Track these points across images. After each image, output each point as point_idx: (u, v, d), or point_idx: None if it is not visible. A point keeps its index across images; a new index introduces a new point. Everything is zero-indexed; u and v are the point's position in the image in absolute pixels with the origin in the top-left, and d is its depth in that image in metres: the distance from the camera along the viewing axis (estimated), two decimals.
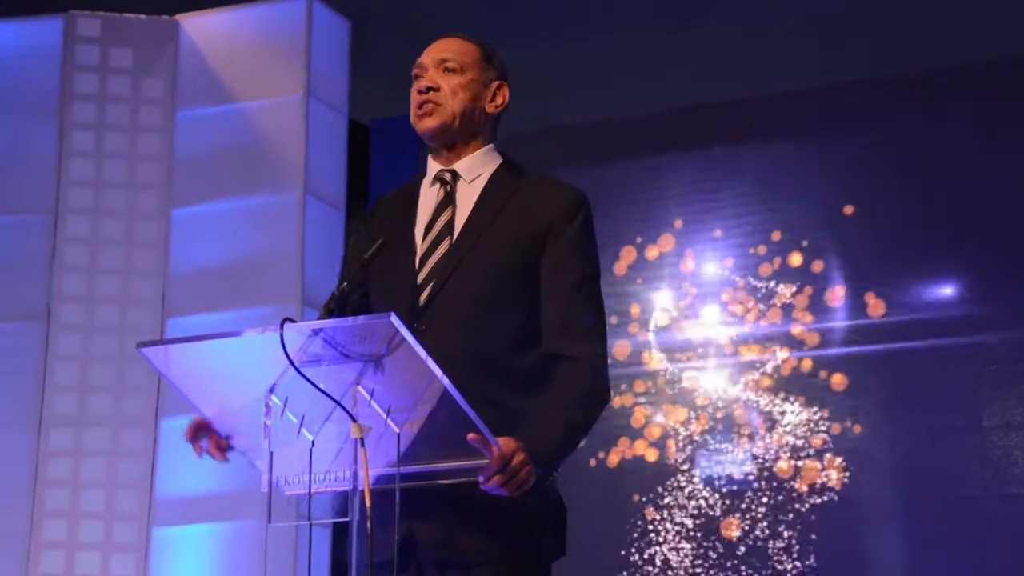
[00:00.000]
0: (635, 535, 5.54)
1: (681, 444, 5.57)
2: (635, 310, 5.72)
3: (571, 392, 2.45)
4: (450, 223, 2.56)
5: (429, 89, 2.59)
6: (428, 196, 2.62)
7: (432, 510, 2.35)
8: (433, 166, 2.65)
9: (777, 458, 5.42)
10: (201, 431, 2.39)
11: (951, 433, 5.20)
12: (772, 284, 5.58)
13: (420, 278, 2.51)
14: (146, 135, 5.38)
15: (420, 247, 2.55)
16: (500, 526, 2.39)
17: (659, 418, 5.62)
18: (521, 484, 2.29)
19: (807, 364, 5.46)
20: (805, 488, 5.36)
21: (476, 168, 2.62)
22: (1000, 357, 5.20)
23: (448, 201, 2.59)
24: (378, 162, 6.12)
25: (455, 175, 2.61)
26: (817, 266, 5.52)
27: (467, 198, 2.58)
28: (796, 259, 5.56)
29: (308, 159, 5.21)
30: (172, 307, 5.22)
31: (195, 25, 5.46)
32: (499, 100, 2.65)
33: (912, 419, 5.27)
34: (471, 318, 2.46)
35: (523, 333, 2.49)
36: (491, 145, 2.66)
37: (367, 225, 2.68)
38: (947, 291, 5.34)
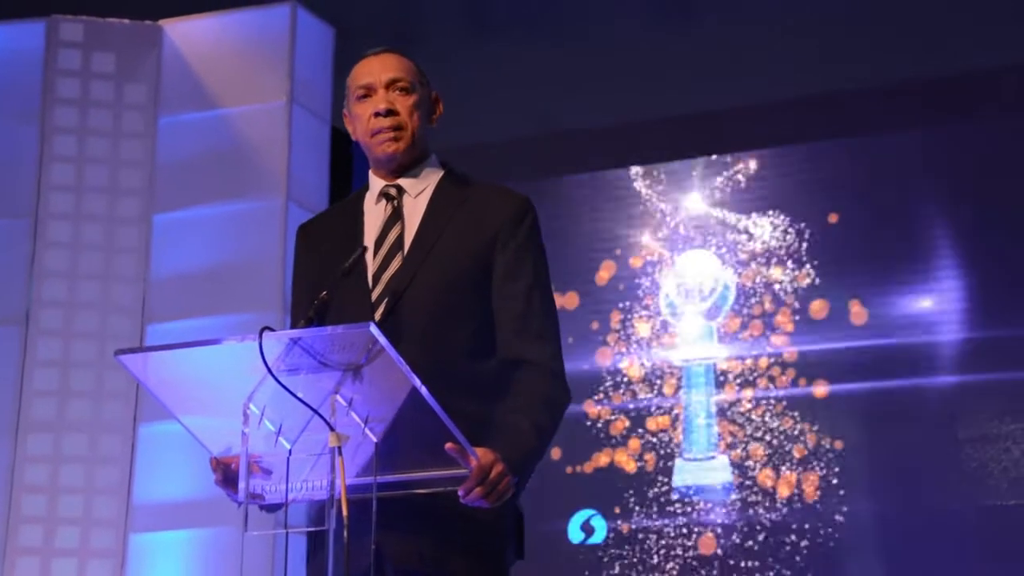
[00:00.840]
0: (612, 546, 5.54)
1: (660, 454, 5.57)
2: (615, 319, 5.73)
3: (534, 397, 2.46)
4: (400, 238, 2.56)
5: (390, 112, 2.56)
6: (374, 212, 2.61)
7: (398, 520, 2.34)
8: (377, 182, 2.64)
9: (757, 469, 5.43)
10: (227, 472, 2.33)
11: (929, 445, 5.22)
12: (755, 293, 5.59)
13: (374, 295, 2.51)
14: (128, 140, 5.36)
15: (372, 264, 2.54)
16: (466, 537, 2.40)
17: (638, 428, 5.62)
18: (501, 495, 2.30)
19: (789, 374, 5.47)
20: (784, 499, 5.37)
21: (421, 182, 2.61)
22: (977, 369, 5.22)
23: (396, 216, 2.58)
24: (360, 170, 6.11)
25: (400, 190, 2.61)
26: (801, 275, 5.54)
27: (415, 212, 2.58)
28: (779, 268, 5.58)
29: (291, 166, 5.20)
30: (152, 313, 5.20)
31: (178, 30, 5.45)
32: (438, 112, 2.67)
33: (891, 430, 5.29)
34: (427, 331, 2.46)
35: (479, 341, 2.50)
36: (433, 156, 2.66)
37: (305, 250, 2.66)
38: (929, 302, 5.36)
